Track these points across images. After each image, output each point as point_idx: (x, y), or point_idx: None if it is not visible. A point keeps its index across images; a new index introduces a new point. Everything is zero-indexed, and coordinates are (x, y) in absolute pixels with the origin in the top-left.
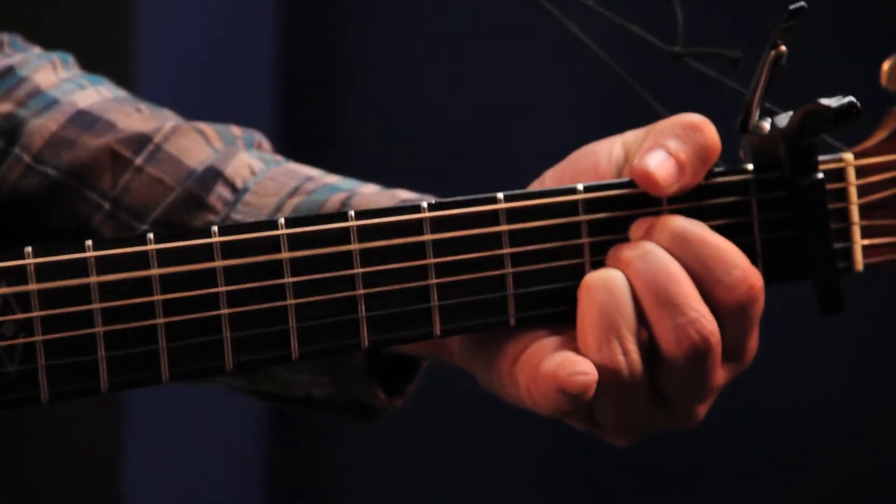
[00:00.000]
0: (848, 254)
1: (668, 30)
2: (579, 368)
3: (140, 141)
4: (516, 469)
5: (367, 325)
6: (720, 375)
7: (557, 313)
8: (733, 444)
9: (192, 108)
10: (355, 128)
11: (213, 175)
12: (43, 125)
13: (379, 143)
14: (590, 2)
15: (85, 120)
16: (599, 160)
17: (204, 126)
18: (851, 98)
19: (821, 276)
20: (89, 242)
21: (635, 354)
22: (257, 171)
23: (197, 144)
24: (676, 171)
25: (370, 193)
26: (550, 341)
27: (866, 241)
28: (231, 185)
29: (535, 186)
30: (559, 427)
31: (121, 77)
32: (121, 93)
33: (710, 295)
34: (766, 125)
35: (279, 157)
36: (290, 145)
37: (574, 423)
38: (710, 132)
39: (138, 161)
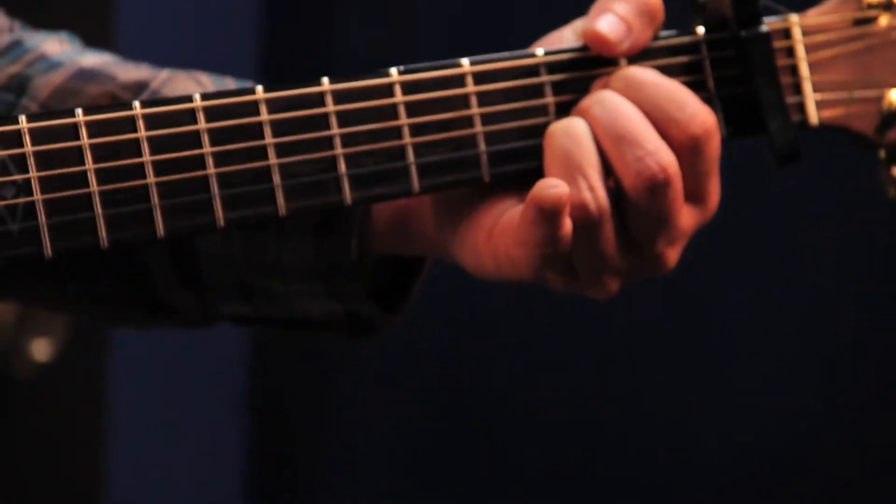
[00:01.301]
0: (801, 108)
1: None
2: (550, 183)
3: (138, 86)
4: (513, 468)
5: (348, 182)
6: (685, 215)
7: (528, 169)
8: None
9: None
10: None
11: None
12: (48, 80)
13: None
14: None
15: (87, 75)
16: (561, 37)
17: (200, 74)
18: None
19: (775, 126)
20: (79, 109)
21: (601, 191)
22: None
23: (191, 87)
24: (624, 29)
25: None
26: (521, 208)
27: (819, 96)
28: None
29: None
30: (558, 427)
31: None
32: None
33: (665, 133)
34: None
35: None
36: None
37: (554, 282)
38: None
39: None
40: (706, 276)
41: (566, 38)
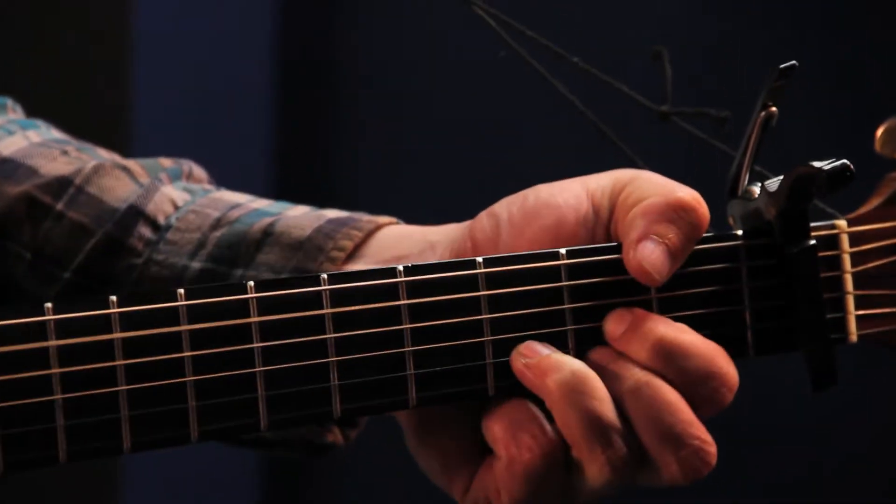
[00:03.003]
0: (841, 324)
1: (654, 89)
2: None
3: (60, 185)
4: None
5: (338, 393)
6: None
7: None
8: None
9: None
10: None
11: (134, 214)
12: None
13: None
14: (575, 59)
15: (6, 168)
16: (564, 217)
17: (129, 162)
18: (845, 160)
19: (812, 348)
20: (49, 305)
21: (628, 460)
22: (181, 205)
23: (120, 182)
24: (670, 262)
25: (297, 216)
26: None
27: (861, 312)
28: (152, 223)
29: (486, 223)
30: None
31: (119, 75)
32: (53, 135)
33: (693, 402)
34: (756, 189)
35: (208, 186)
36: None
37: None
38: (702, 212)
39: (59, 206)
40: None
41: (582, 211)
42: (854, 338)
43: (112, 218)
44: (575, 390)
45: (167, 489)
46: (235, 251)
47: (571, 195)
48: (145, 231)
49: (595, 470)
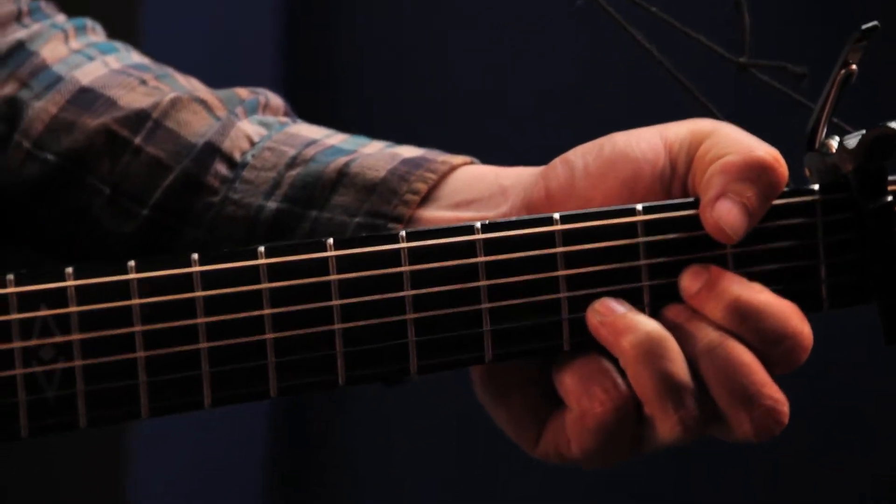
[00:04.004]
0: None
1: (734, 40)
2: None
3: (138, 118)
4: (523, 470)
5: (415, 349)
6: None
7: None
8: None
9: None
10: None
11: (211, 151)
12: (43, 108)
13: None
14: (653, 8)
15: (85, 99)
16: (641, 170)
17: (207, 94)
18: None
19: (887, 302)
20: (132, 263)
21: (700, 419)
22: (257, 140)
23: (197, 116)
24: (747, 221)
25: (371, 154)
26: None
27: None
28: (228, 160)
29: (560, 171)
30: None
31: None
32: (133, 59)
33: (767, 361)
34: (834, 143)
35: (284, 119)
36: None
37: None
38: (781, 171)
39: (137, 141)
40: None
41: (660, 165)
42: None
43: (189, 154)
44: (649, 352)
45: (170, 489)
46: (310, 192)
47: (649, 147)
48: (221, 168)
49: (667, 428)
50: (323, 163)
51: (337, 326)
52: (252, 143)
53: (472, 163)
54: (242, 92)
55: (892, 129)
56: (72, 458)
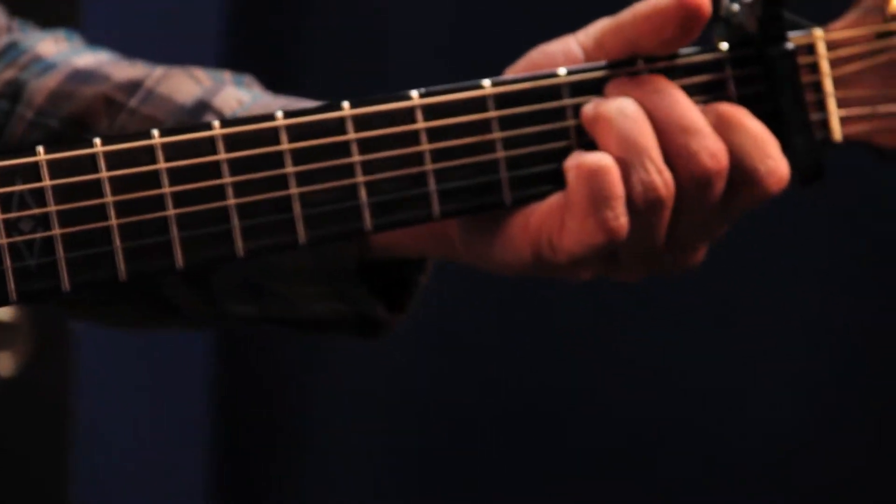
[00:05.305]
0: (825, 125)
1: None
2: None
3: (132, 86)
4: (499, 467)
5: (369, 210)
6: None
7: (549, 192)
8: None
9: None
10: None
11: (202, 107)
12: (42, 84)
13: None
14: None
15: (81, 76)
16: (556, 60)
17: (195, 69)
18: None
19: (799, 145)
20: (97, 139)
21: (667, 173)
22: (245, 102)
23: (186, 83)
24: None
25: None
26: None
27: (843, 112)
28: (219, 115)
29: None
30: (546, 424)
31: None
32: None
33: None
34: (736, 7)
35: (269, 93)
36: None
37: (588, 271)
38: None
39: (132, 103)
40: (709, 275)
41: (572, 50)
42: (838, 136)
43: (183, 110)
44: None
45: (116, 484)
46: None
47: (561, 44)
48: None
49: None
50: None
51: (293, 191)
52: (241, 103)
53: None
54: (227, 74)
55: None
56: (15, 472)
